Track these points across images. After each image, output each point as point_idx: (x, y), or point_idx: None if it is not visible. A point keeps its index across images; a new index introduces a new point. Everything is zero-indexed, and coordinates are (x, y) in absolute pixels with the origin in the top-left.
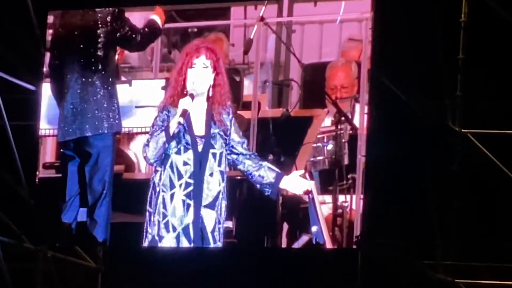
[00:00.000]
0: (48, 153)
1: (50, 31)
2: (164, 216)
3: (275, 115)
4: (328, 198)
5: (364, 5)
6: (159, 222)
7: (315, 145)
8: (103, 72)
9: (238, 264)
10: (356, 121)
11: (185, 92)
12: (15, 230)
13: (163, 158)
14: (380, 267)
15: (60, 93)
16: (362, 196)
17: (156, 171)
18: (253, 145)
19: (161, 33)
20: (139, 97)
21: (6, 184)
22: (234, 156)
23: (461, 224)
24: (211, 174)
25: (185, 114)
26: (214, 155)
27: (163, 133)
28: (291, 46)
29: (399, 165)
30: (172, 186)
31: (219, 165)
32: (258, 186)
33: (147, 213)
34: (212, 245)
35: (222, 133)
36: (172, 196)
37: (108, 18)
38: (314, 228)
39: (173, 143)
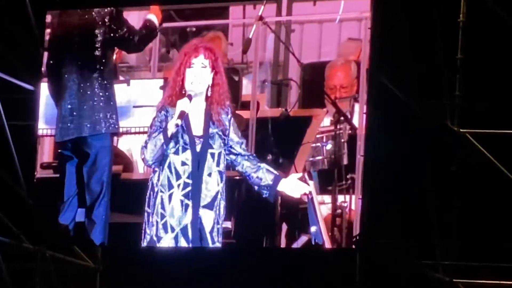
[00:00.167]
0: (45, 153)
1: (48, 31)
2: (163, 216)
3: (274, 115)
4: (327, 198)
5: (363, 4)
6: (157, 222)
7: (314, 145)
8: (101, 72)
9: (237, 265)
10: (355, 121)
11: (183, 92)
12: (13, 230)
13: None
14: (379, 267)
15: (57, 93)
16: (360, 196)
17: (154, 171)
18: (252, 145)
19: (158, 32)
20: (137, 97)
21: (5, 184)
22: (233, 157)
23: (461, 224)
24: (209, 174)
25: (182, 115)
26: (212, 155)
27: (161, 135)
28: (290, 45)
29: (398, 165)
30: (170, 186)
31: (218, 165)
32: (256, 188)
33: (146, 214)
34: (210, 245)
35: (220, 133)
36: (170, 196)
37: (106, 18)
38: (313, 228)
39: (171, 143)
